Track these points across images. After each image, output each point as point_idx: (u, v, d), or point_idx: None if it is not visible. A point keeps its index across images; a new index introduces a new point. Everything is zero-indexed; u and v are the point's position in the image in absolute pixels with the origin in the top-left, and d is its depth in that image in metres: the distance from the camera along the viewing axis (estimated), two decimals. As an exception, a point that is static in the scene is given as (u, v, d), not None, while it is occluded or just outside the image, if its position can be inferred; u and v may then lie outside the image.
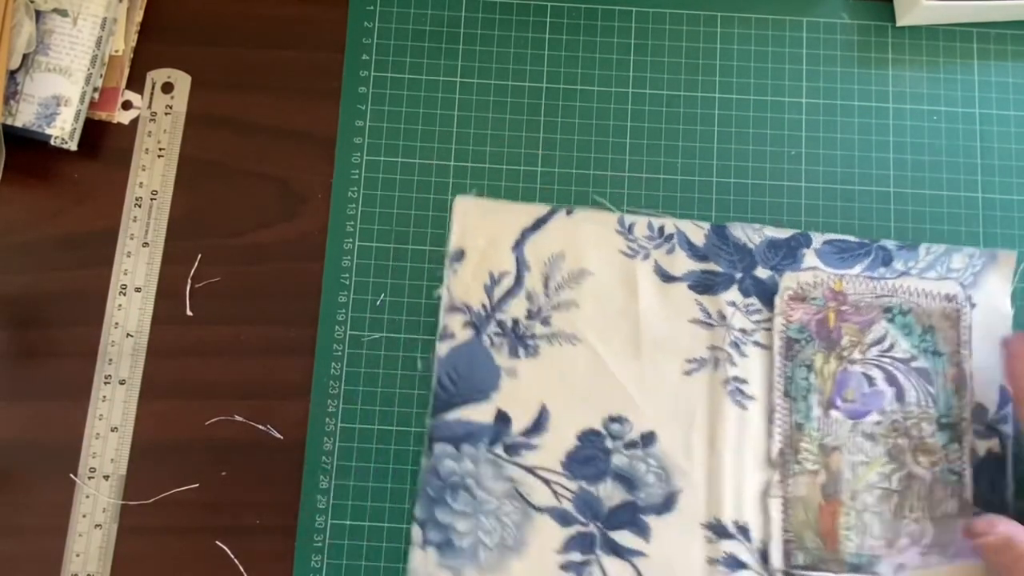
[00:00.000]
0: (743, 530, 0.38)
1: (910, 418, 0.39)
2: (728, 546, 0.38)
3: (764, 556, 0.38)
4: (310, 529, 0.39)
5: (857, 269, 0.41)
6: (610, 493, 0.39)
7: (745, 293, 0.41)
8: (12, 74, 0.41)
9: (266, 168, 0.43)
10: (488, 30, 0.45)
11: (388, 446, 0.40)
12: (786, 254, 0.41)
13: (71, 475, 0.40)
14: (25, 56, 0.41)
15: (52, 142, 0.41)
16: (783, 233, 0.41)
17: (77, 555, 0.39)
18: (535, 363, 0.40)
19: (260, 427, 0.40)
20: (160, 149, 0.43)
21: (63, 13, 0.42)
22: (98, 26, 0.42)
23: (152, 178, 0.43)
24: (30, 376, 0.41)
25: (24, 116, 0.41)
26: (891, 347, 0.40)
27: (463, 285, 0.41)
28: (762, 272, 0.41)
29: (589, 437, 0.39)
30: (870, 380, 0.39)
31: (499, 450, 0.39)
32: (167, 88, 0.44)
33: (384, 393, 0.41)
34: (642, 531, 0.38)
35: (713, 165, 0.43)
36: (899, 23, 0.45)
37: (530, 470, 0.39)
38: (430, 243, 0.42)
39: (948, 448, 0.39)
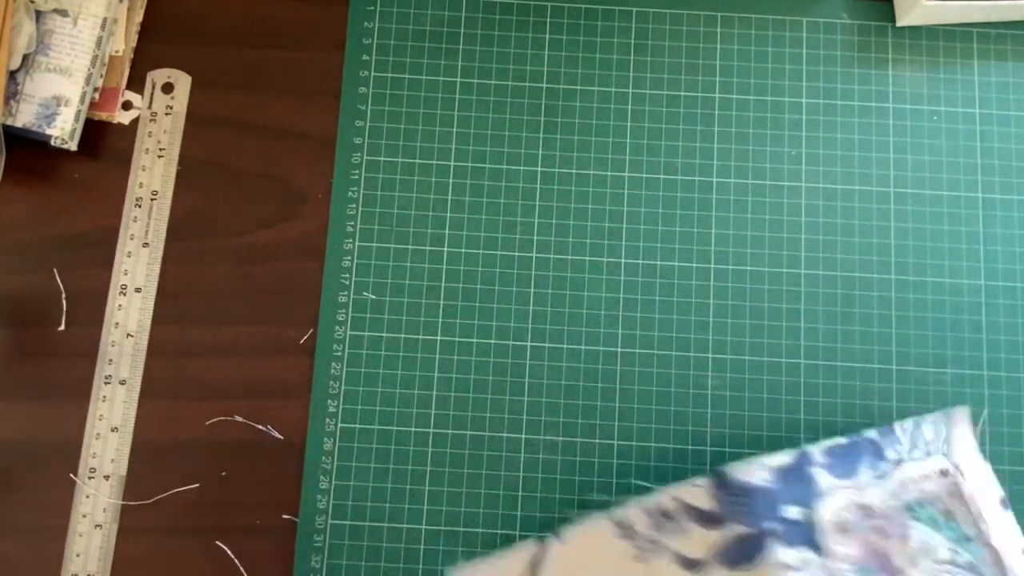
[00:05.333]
0: None
1: None
2: None
3: None
4: (310, 529, 0.39)
5: (864, 473, 0.37)
6: None
7: (790, 543, 0.35)
8: (12, 74, 0.41)
9: (266, 168, 0.43)
10: (488, 30, 0.45)
11: (388, 446, 0.40)
12: (799, 481, 0.36)
13: (71, 475, 0.40)
14: (25, 56, 0.41)
15: (52, 142, 0.41)
16: (785, 458, 0.37)
17: (77, 555, 0.39)
18: None
19: (260, 427, 0.41)
20: (160, 149, 0.43)
21: (63, 13, 0.42)
22: (98, 26, 0.42)
23: (152, 178, 0.43)
24: (30, 376, 0.41)
25: (24, 116, 0.41)
26: (935, 549, 0.36)
27: None
28: (793, 511, 0.35)
29: None
30: None
31: None
32: (167, 88, 0.44)
33: (384, 393, 0.41)
34: None
35: (713, 165, 0.43)
36: (899, 23, 0.45)
37: None
38: (430, 243, 0.42)
39: None
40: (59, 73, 0.42)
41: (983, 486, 0.38)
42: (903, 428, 0.39)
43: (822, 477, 0.37)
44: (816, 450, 0.38)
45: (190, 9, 0.45)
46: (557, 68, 0.44)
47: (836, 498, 0.36)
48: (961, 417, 0.39)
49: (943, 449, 0.38)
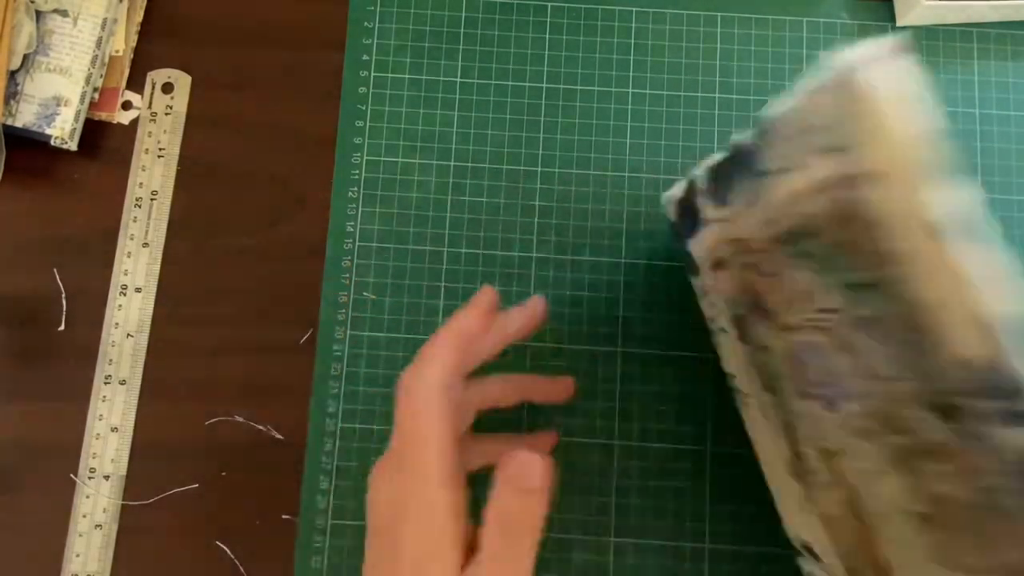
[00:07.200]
0: (810, 550, 0.32)
1: (888, 400, 0.23)
2: (807, 565, 0.32)
3: None
4: (310, 529, 0.39)
5: (737, 197, 0.28)
6: None
7: (694, 273, 0.36)
8: (12, 74, 0.41)
9: (266, 168, 0.43)
10: (488, 30, 0.45)
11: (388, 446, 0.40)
12: (689, 214, 0.34)
13: (71, 475, 0.40)
14: (25, 56, 0.41)
15: (52, 142, 0.41)
16: (677, 191, 0.35)
17: (77, 555, 0.39)
18: None
19: (260, 427, 0.41)
20: (160, 149, 0.43)
21: (63, 13, 0.42)
22: (98, 26, 0.42)
23: (152, 178, 0.43)
24: (30, 376, 0.41)
25: (24, 116, 0.41)
26: (814, 295, 0.26)
27: None
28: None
29: None
30: (820, 351, 0.26)
31: None
32: (167, 88, 0.44)
33: (384, 393, 0.41)
34: None
35: (713, 165, 0.43)
36: (899, 23, 0.45)
37: None
38: (430, 243, 0.42)
39: (964, 445, 0.21)
40: (59, 73, 0.42)
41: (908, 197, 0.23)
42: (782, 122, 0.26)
43: (707, 209, 0.31)
44: (700, 175, 0.32)
45: (190, 9, 0.45)
46: (557, 68, 0.44)
47: (707, 232, 0.31)
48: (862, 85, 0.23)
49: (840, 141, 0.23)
